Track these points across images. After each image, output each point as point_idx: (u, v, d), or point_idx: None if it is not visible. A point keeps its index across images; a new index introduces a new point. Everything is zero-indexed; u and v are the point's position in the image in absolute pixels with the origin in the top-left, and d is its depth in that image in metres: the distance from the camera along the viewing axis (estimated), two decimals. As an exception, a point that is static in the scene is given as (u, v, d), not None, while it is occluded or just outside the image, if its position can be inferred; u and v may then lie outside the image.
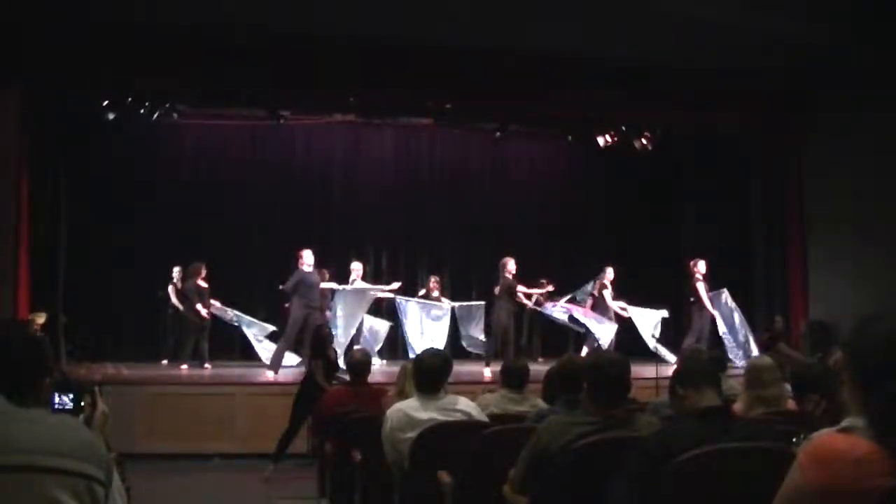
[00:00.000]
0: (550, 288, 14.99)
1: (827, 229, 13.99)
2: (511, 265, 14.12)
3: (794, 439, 3.50)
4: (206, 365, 13.95)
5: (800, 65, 12.90)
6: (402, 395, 6.41)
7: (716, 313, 14.21)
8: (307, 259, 13.20)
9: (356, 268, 14.35)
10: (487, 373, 12.97)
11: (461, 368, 11.84)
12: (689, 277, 14.49)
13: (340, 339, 13.18)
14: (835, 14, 11.17)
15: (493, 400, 6.29)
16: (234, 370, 13.49)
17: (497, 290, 14.06)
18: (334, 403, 7.58)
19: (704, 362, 3.93)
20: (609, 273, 14.87)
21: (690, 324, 14.50)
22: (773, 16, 11.07)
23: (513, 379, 6.48)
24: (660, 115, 14.38)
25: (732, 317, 14.28)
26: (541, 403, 6.39)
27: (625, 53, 12.66)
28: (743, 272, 15.87)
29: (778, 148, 14.94)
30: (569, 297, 14.76)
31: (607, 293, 14.68)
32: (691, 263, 14.52)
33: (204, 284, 14.13)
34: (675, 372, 4.05)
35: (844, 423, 2.29)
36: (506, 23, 11.60)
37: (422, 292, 15.22)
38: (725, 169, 16.04)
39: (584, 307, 14.57)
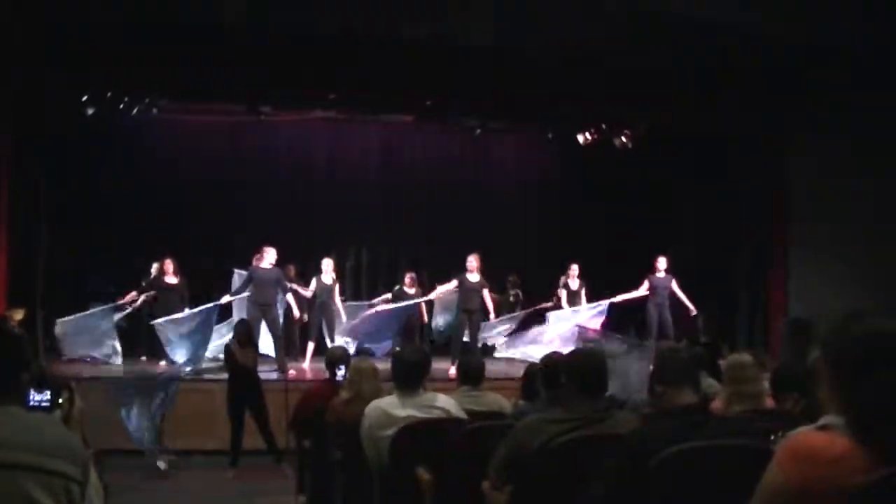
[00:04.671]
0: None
1: (808, 228, 14.06)
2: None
3: (772, 437, 3.51)
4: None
5: (782, 65, 12.95)
6: (358, 398, 6.18)
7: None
8: (268, 257, 13.12)
9: (326, 264, 14.21)
10: (453, 370, 12.92)
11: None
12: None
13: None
14: (818, 15, 11.21)
15: (455, 399, 6.21)
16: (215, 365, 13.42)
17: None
18: (313, 401, 7.56)
19: (682, 360, 3.92)
20: (574, 269, 14.96)
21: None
22: (757, 16, 11.11)
23: (469, 377, 6.47)
24: (641, 113, 14.42)
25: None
26: (500, 399, 6.40)
27: (607, 52, 12.69)
28: (724, 270, 15.94)
29: (760, 147, 14.99)
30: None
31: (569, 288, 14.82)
32: (654, 260, 14.67)
33: (173, 280, 14.06)
34: (654, 370, 4.05)
35: (822, 420, 2.29)
36: (488, 20, 11.60)
37: (396, 287, 15.21)
38: (707, 168, 16.08)
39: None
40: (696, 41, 11.91)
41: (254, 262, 13.19)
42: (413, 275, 15.15)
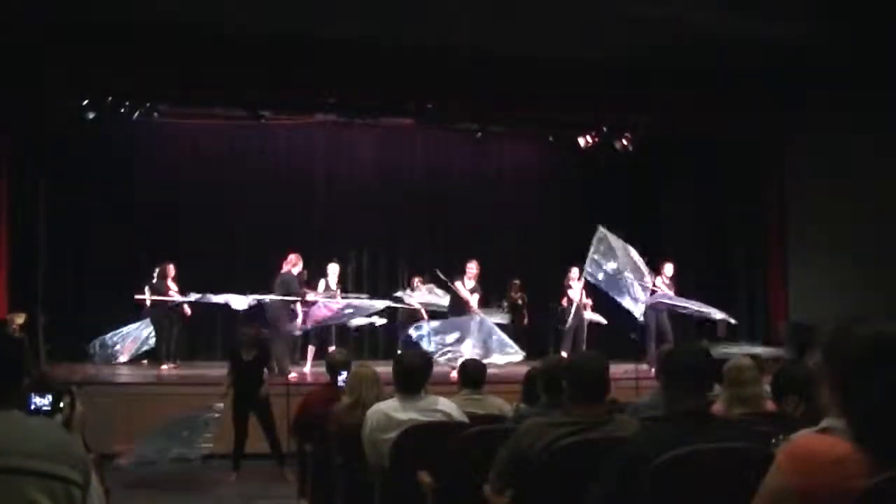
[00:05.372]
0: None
1: (808, 229, 14.07)
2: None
3: (773, 440, 3.50)
4: (174, 363, 13.88)
5: (778, 66, 12.95)
6: (358, 404, 6.24)
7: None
8: (300, 264, 13.54)
9: (333, 269, 14.28)
10: (454, 374, 12.97)
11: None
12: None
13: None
14: (812, 14, 11.22)
15: (456, 402, 6.22)
16: (216, 370, 13.40)
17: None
18: (314, 405, 7.56)
19: (684, 363, 3.89)
20: (574, 273, 14.95)
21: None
22: (750, 16, 11.11)
23: (470, 379, 6.48)
24: (639, 116, 14.45)
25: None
26: (501, 403, 6.40)
27: (604, 55, 12.71)
28: (723, 273, 15.94)
29: (757, 149, 14.99)
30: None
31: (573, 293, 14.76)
32: (660, 265, 14.69)
33: (174, 287, 14.08)
34: (656, 373, 4.05)
35: (823, 423, 2.29)
36: (487, 24, 11.60)
37: (405, 291, 15.21)
38: (705, 170, 16.09)
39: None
40: (695, 42, 11.92)
41: (286, 268, 13.42)
42: (419, 279, 15.16)
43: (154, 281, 14.15)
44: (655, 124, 14.93)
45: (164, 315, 13.92)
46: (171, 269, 14.11)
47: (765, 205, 15.14)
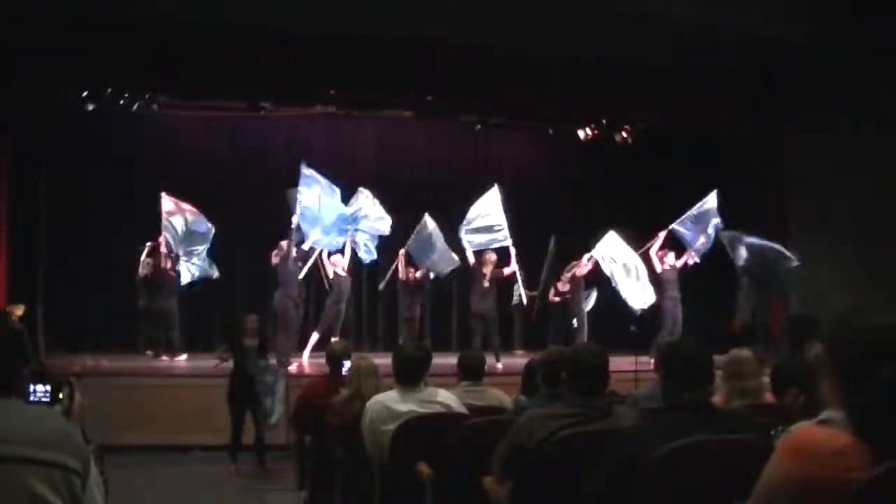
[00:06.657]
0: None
1: (805, 228, 14.07)
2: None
3: (772, 432, 3.50)
4: (181, 356, 13.93)
5: (778, 65, 12.96)
6: (357, 396, 6.25)
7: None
8: (291, 249, 13.59)
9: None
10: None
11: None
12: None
13: None
14: (812, 14, 11.22)
15: (455, 394, 6.23)
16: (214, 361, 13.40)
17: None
18: (313, 396, 7.56)
19: (685, 355, 3.88)
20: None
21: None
22: (751, 16, 11.12)
23: (470, 372, 6.49)
24: (638, 114, 14.46)
25: None
26: (501, 394, 6.41)
27: (605, 55, 12.72)
28: (723, 269, 15.92)
29: (757, 149, 14.99)
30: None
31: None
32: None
33: (172, 274, 14.14)
34: (655, 364, 4.05)
35: (823, 415, 2.30)
36: (487, 19, 11.60)
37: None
38: (705, 167, 16.06)
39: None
40: (695, 41, 11.92)
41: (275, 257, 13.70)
42: (413, 269, 15.15)
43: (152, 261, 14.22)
44: (655, 122, 14.93)
45: (173, 303, 13.95)
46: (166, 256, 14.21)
47: (765, 204, 15.13)
